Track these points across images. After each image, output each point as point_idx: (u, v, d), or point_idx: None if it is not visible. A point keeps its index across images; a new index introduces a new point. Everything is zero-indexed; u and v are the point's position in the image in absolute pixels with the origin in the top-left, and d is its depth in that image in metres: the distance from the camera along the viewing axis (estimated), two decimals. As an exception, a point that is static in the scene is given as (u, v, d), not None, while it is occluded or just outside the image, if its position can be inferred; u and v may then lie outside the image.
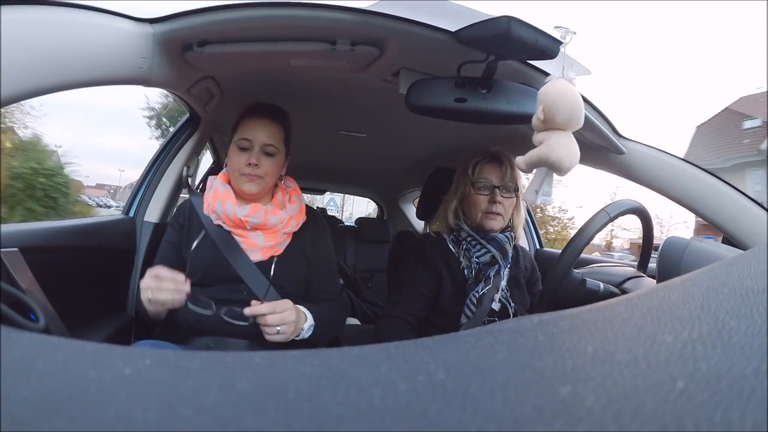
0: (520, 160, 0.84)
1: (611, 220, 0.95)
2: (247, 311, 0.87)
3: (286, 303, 0.92)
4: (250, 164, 1.01)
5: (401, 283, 1.20)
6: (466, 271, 1.15)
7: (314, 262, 1.11)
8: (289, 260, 1.05)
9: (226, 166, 1.11)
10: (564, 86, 0.77)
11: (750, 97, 15.72)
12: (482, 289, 1.11)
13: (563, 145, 0.79)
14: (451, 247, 1.18)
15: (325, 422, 0.13)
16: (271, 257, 1.02)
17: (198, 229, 1.03)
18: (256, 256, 1.01)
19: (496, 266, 1.14)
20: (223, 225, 1.02)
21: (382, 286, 1.92)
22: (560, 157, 0.78)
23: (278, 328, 0.88)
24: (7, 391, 0.14)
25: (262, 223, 1.01)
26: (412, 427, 0.13)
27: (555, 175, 0.84)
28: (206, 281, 0.99)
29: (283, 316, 0.89)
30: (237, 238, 1.02)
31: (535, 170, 0.85)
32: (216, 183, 1.07)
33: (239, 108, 1.10)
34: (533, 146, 0.82)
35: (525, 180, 1.21)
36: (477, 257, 1.15)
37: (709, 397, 0.13)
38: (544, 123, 0.79)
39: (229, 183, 1.06)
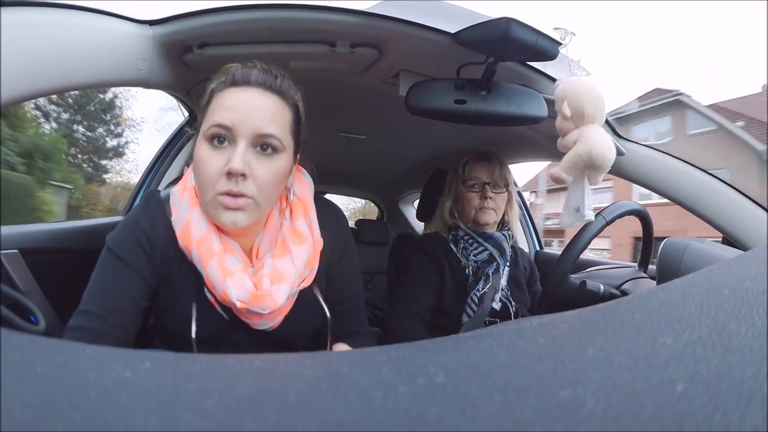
0: (556, 171, 0.74)
1: (608, 223, 0.95)
2: None
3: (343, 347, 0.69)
4: (231, 174, 0.60)
5: (411, 280, 1.18)
6: (466, 270, 1.16)
7: (334, 296, 0.78)
8: (302, 308, 0.73)
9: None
10: (581, 80, 0.75)
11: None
12: (483, 288, 1.13)
13: (602, 137, 0.71)
14: (452, 246, 1.20)
15: (325, 425, 0.13)
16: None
17: (186, 278, 0.68)
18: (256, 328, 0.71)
19: (495, 264, 1.16)
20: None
21: (382, 287, 1.92)
22: (603, 151, 0.70)
23: None
24: (7, 393, 0.14)
25: (267, 313, 0.66)
26: (412, 430, 0.13)
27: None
28: (209, 343, 0.71)
29: None
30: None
31: (570, 188, 0.76)
32: (185, 210, 0.67)
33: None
34: (545, 151, 0.77)
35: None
36: (475, 255, 1.16)
37: (708, 399, 0.13)
38: (571, 120, 0.73)
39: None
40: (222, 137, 0.62)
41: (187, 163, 1.40)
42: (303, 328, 0.75)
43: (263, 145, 0.63)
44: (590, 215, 0.77)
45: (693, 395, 0.13)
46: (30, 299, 0.69)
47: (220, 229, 0.67)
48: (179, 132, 1.40)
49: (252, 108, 0.62)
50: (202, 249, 0.64)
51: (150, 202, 0.72)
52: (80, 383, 0.16)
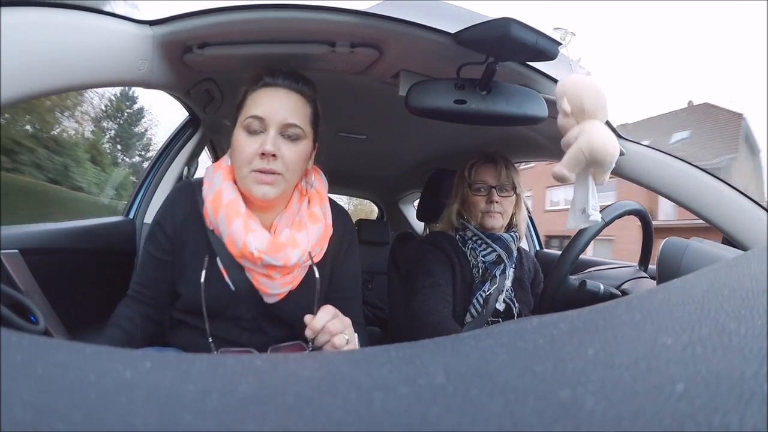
0: (558, 169, 0.72)
1: (607, 224, 0.95)
2: (308, 333, 0.68)
3: (330, 308, 0.72)
4: (264, 154, 0.73)
5: (427, 268, 1.15)
6: (474, 270, 1.16)
7: (335, 285, 0.87)
8: (305, 290, 0.81)
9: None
10: (581, 77, 0.74)
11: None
12: (488, 289, 1.12)
13: (603, 131, 0.69)
14: (460, 245, 1.20)
15: (325, 426, 0.13)
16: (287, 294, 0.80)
17: (201, 249, 0.79)
18: (265, 299, 0.79)
19: (502, 265, 1.15)
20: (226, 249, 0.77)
21: (382, 287, 1.92)
22: (604, 143, 0.68)
23: (345, 336, 0.69)
24: (7, 394, 0.14)
25: (281, 265, 0.75)
26: (412, 431, 0.13)
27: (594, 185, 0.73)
28: (214, 315, 0.79)
29: (339, 318, 0.71)
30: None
31: (574, 188, 0.74)
32: (218, 181, 0.78)
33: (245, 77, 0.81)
34: (545, 151, 0.74)
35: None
36: (483, 256, 1.16)
37: (708, 400, 0.13)
38: (572, 116, 0.72)
39: (236, 183, 0.78)
40: (256, 127, 0.75)
41: (187, 163, 1.40)
42: (304, 308, 0.78)
43: (288, 133, 0.76)
44: (596, 216, 0.74)
45: (693, 395, 0.13)
46: (30, 299, 0.69)
47: (246, 202, 0.78)
48: (178, 133, 1.40)
49: (280, 104, 0.76)
50: (230, 209, 0.75)
51: (177, 187, 0.87)
52: (80, 383, 0.16)
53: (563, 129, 0.74)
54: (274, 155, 0.74)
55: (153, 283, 0.83)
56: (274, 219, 0.81)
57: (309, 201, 0.84)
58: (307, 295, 0.80)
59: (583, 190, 0.74)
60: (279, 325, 0.82)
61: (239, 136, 0.76)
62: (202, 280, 0.76)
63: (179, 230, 0.81)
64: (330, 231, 0.83)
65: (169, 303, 0.84)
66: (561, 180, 0.74)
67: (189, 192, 0.83)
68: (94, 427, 0.13)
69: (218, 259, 0.78)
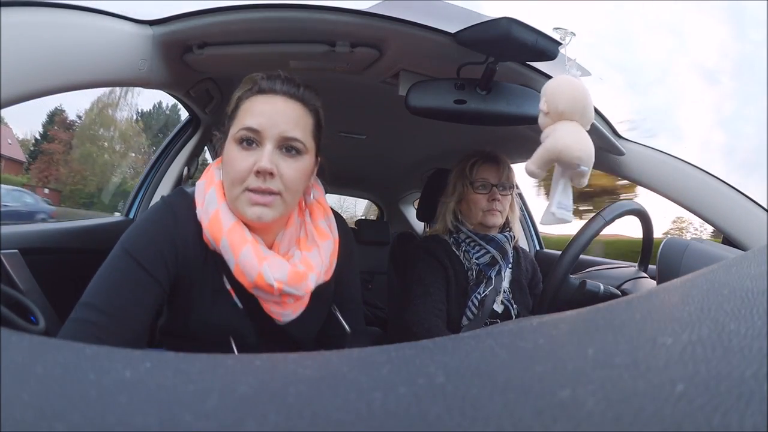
0: (528, 165, 0.74)
1: (608, 223, 0.95)
2: None
3: None
4: (259, 172, 0.64)
5: (420, 276, 1.16)
6: (468, 273, 1.15)
7: (341, 297, 0.82)
8: (315, 308, 0.75)
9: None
10: (566, 78, 0.74)
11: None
12: (484, 291, 1.12)
13: (570, 132, 0.70)
14: (454, 249, 1.19)
15: (325, 426, 0.13)
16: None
17: (206, 270, 0.70)
18: (274, 322, 0.72)
19: (497, 267, 1.15)
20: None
21: (382, 287, 1.92)
22: (569, 145, 0.69)
23: None
24: (6, 393, 0.14)
25: (302, 294, 0.69)
26: (412, 431, 0.13)
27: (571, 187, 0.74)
28: (216, 338, 0.72)
29: None
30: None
31: (552, 186, 0.76)
32: (212, 201, 0.68)
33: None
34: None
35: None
36: (477, 258, 1.15)
37: (708, 400, 0.13)
38: (548, 116, 0.73)
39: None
40: (251, 140, 0.66)
41: (187, 164, 1.40)
42: (312, 328, 0.78)
43: (288, 147, 0.67)
44: (564, 214, 0.73)
45: (693, 395, 0.13)
46: (30, 299, 0.69)
47: (245, 225, 0.69)
48: (178, 133, 1.40)
49: (278, 113, 0.67)
50: (234, 237, 0.66)
51: (176, 200, 0.71)
52: (80, 383, 0.16)
53: (541, 127, 0.74)
54: (271, 173, 0.64)
55: (130, 314, 0.62)
56: (275, 238, 0.73)
57: (311, 214, 0.77)
58: (317, 313, 0.76)
59: (555, 189, 0.74)
60: (285, 342, 0.76)
61: (231, 150, 0.67)
62: (211, 304, 0.70)
63: (188, 254, 0.68)
64: (337, 244, 0.77)
65: (142, 335, 0.65)
66: (531, 176, 0.75)
67: (190, 209, 0.70)
68: (94, 427, 0.13)
69: (225, 279, 0.70)
